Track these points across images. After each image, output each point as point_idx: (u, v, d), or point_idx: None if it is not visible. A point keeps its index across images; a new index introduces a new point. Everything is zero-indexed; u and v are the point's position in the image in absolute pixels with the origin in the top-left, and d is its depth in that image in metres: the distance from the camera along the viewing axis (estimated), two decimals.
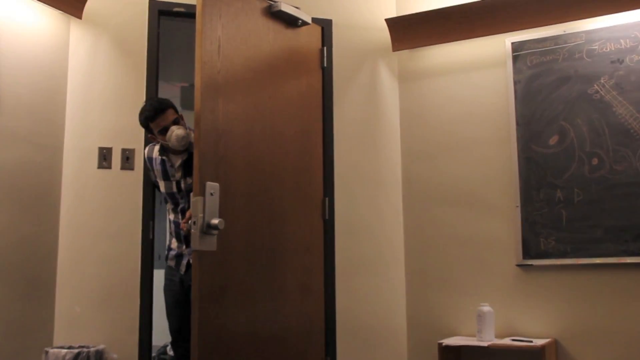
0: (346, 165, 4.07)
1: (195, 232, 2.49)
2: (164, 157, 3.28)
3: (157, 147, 3.32)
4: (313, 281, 3.50)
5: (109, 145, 3.72)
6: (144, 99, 3.72)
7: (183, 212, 3.24)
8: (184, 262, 3.25)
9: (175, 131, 3.14)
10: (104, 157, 3.70)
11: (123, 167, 3.70)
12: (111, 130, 3.74)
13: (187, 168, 3.23)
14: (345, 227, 3.99)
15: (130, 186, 3.70)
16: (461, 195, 4.01)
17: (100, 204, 3.68)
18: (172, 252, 3.32)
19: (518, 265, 3.79)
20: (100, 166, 3.69)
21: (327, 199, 3.77)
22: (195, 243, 2.49)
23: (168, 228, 3.45)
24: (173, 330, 3.35)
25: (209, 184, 2.57)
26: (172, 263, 3.31)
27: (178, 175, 3.26)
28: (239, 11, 2.94)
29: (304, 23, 3.54)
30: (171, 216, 3.33)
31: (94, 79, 3.77)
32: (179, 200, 3.27)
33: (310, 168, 3.63)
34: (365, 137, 4.19)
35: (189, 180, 3.23)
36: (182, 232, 3.17)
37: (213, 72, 2.70)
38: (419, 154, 4.19)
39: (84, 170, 3.68)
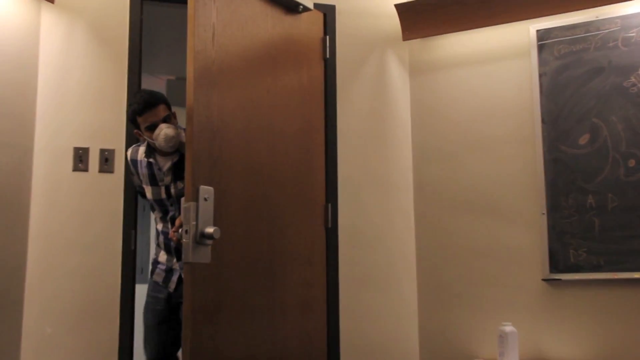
0: (351, 167, 4.07)
1: (187, 242, 2.47)
2: (151, 160, 3.26)
3: (142, 149, 3.29)
4: (314, 297, 3.50)
5: (86, 145, 3.71)
6: (126, 93, 3.73)
7: (173, 220, 3.22)
8: (174, 278, 3.23)
9: (164, 130, 3.13)
10: (80, 158, 3.68)
11: (101, 170, 3.68)
12: (88, 129, 3.72)
13: (177, 171, 3.22)
14: (349, 237, 3.99)
15: (109, 191, 3.68)
16: (480, 200, 4.00)
17: (75, 210, 3.66)
18: (161, 267, 3.29)
19: (544, 280, 3.78)
20: (75, 168, 3.68)
21: (329, 204, 3.77)
22: (187, 254, 2.47)
23: (156, 239, 3.43)
24: (151, 359, 3.32)
25: (203, 187, 2.56)
26: (158, 278, 3.28)
27: (167, 179, 3.24)
28: None
29: (305, 9, 3.53)
30: (159, 226, 3.30)
31: (69, 70, 3.76)
32: (169, 207, 3.25)
33: (311, 170, 3.63)
34: (373, 136, 4.18)
35: (179, 184, 3.21)
36: (172, 243, 3.14)
37: (207, 62, 2.69)
38: (433, 154, 4.19)
39: (57, 173, 3.67)
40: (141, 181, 3.34)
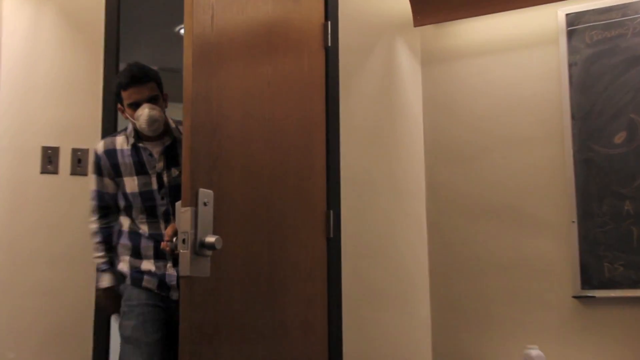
0: (355, 169, 4.06)
1: (185, 253, 2.43)
2: (140, 144, 3.22)
3: (120, 138, 3.25)
4: (315, 316, 3.48)
5: (56, 145, 3.70)
6: (101, 85, 3.74)
7: (167, 217, 3.16)
8: (173, 284, 3.17)
9: (147, 110, 3.12)
10: (49, 159, 3.67)
11: (74, 172, 3.67)
12: (58, 126, 3.71)
13: (170, 157, 3.21)
14: (354, 248, 3.97)
15: (82, 196, 3.63)
16: (501, 207, 4.00)
17: (42, 218, 3.65)
18: (149, 276, 3.20)
19: (575, 297, 3.78)
20: (44, 170, 3.68)
21: (331, 211, 3.74)
22: (185, 267, 2.43)
23: (131, 248, 3.30)
24: None
25: (202, 191, 2.52)
26: (151, 285, 3.18)
27: (160, 165, 3.19)
28: None
29: None
30: (143, 228, 3.21)
31: (36, 60, 3.74)
32: (158, 201, 3.17)
33: (312, 173, 3.61)
34: (380, 134, 4.18)
35: (174, 171, 3.19)
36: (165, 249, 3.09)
37: (206, 48, 2.67)
38: (448, 155, 4.19)
39: (22, 175, 3.66)
40: (117, 175, 3.24)
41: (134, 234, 3.21)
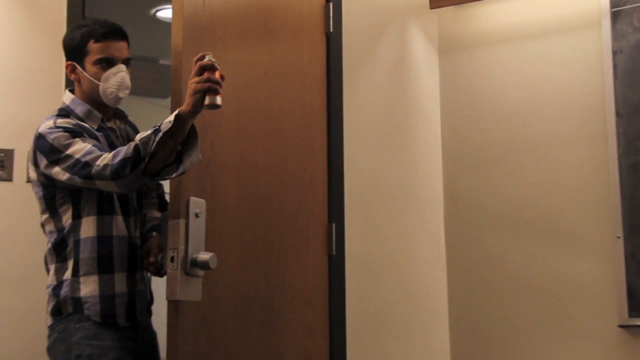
0: (361, 175, 4.04)
1: (173, 272, 2.43)
2: (111, 125, 3.11)
3: (66, 119, 3.10)
4: (316, 346, 3.49)
5: (10, 147, 3.69)
6: (64, 77, 3.67)
7: (136, 214, 3.07)
8: (143, 304, 3.09)
9: (125, 73, 3.01)
10: (2, 163, 3.67)
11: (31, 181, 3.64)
12: (12, 125, 3.69)
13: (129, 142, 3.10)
14: (359, 267, 3.95)
15: None
16: (532, 220, 4.01)
17: None
18: (119, 299, 3.11)
19: (622, 327, 3.77)
20: None
21: (333, 225, 3.74)
22: (173, 290, 2.44)
23: (108, 253, 3.20)
24: None
25: (194, 200, 2.53)
26: (119, 318, 3.09)
27: None
28: None
29: None
30: (120, 228, 3.09)
31: None
32: (132, 194, 3.09)
33: (312, 179, 3.61)
34: (390, 135, 4.18)
35: None
36: (150, 268, 3.02)
37: (198, 33, 2.67)
38: (469, 159, 4.21)
39: None
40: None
41: (105, 239, 3.04)
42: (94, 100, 2.96)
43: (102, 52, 2.93)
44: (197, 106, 2.55)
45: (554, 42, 4.04)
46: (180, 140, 2.62)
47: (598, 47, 3.92)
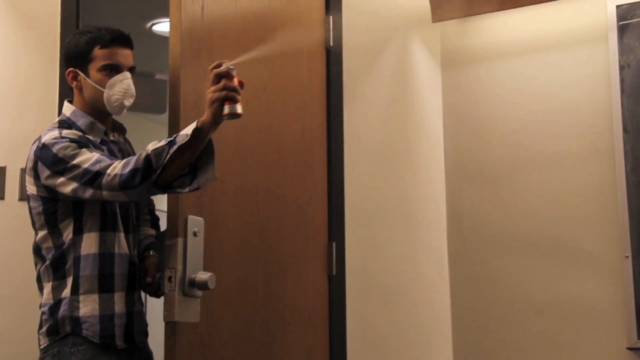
0: (362, 192, 4.04)
1: (171, 293, 2.43)
2: (113, 138, 3.08)
3: (70, 131, 3.07)
4: None
5: (1, 164, 3.66)
6: (57, 92, 3.69)
7: (135, 230, 3.04)
8: (141, 325, 3.06)
9: (130, 81, 2.96)
10: None
11: (23, 197, 3.60)
12: (4, 142, 3.67)
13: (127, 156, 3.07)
14: (360, 287, 3.94)
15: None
16: (538, 239, 4.00)
17: None
18: (118, 320, 3.08)
19: (630, 349, 3.76)
20: None
21: (333, 244, 3.74)
22: (171, 311, 2.44)
23: (109, 272, 3.17)
24: None
25: (192, 218, 2.54)
26: (118, 340, 3.05)
27: None
28: None
29: None
30: (122, 244, 3.07)
31: None
32: (131, 209, 3.07)
33: (312, 196, 3.61)
34: (391, 151, 4.18)
35: None
36: (147, 288, 3.00)
37: (196, 46, 2.68)
38: (472, 175, 4.21)
39: None
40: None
41: (107, 257, 3.01)
42: (95, 109, 2.92)
43: (108, 58, 2.89)
44: (217, 116, 2.49)
45: (560, 56, 4.05)
46: (197, 152, 2.57)
47: (605, 61, 3.93)
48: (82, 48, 2.90)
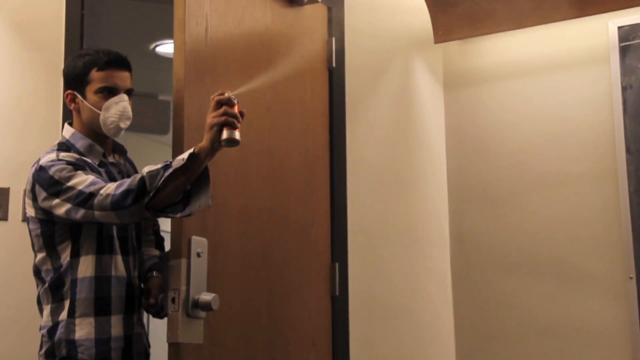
0: (365, 213, 4.04)
1: (175, 314, 2.42)
2: (112, 160, 3.07)
3: (68, 154, 3.06)
4: None
5: (5, 185, 3.66)
6: (61, 113, 3.68)
7: (134, 252, 3.03)
8: (140, 346, 3.04)
9: (127, 103, 2.96)
10: None
11: (26, 219, 3.61)
12: (8, 163, 3.67)
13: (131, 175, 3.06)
14: (364, 308, 3.94)
15: None
16: (542, 260, 3.98)
17: None
18: (115, 343, 3.07)
19: None
20: None
21: (336, 264, 3.75)
22: (174, 332, 2.43)
23: (106, 295, 3.15)
24: None
25: (195, 239, 2.53)
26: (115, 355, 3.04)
27: None
28: None
29: (312, 0, 3.56)
30: (119, 267, 3.05)
31: None
32: (130, 230, 3.05)
33: (315, 217, 3.62)
34: (394, 171, 4.17)
35: None
36: (150, 309, 2.98)
37: (200, 67, 2.68)
38: (475, 197, 4.19)
39: None
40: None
41: (103, 280, 3.00)
42: (93, 131, 2.92)
43: (104, 80, 2.90)
44: (215, 142, 2.49)
45: (562, 77, 4.04)
46: (193, 178, 2.56)
47: (607, 82, 3.92)
48: (80, 70, 2.91)
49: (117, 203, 2.57)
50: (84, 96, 2.91)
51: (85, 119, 2.92)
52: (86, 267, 2.83)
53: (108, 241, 2.87)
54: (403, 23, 4.30)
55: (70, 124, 2.99)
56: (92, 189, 2.64)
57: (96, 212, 2.63)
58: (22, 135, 3.70)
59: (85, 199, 2.64)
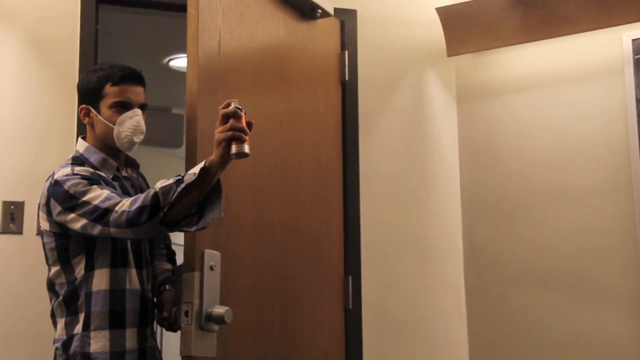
0: (378, 226, 4.04)
1: (188, 327, 2.43)
2: (125, 174, 3.07)
3: (82, 167, 3.06)
4: None
5: (20, 199, 3.68)
6: (75, 128, 3.70)
7: (148, 265, 3.02)
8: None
9: (141, 117, 2.96)
10: (11, 216, 3.65)
11: (40, 233, 3.62)
12: (23, 177, 3.69)
13: (140, 192, 3.06)
14: (377, 321, 3.94)
15: None
16: (558, 274, 3.95)
17: (2, 287, 3.60)
18: (132, 355, 3.08)
19: None
20: (4, 230, 3.65)
21: (349, 278, 3.77)
22: (188, 345, 2.44)
23: (121, 309, 3.14)
24: None
25: (209, 252, 2.54)
26: None
27: None
28: None
29: (325, 14, 3.56)
30: (133, 280, 3.05)
31: None
32: (144, 244, 3.05)
33: (328, 230, 3.63)
34: (407, 185, 4.17)
35: None
36: (163, 322, 2.98)
37: (213, 81, 2.69)
38: (489, 209, 4.17)
39: None
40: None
41: (118, 293, 3.00)
42: (107, 145, 2.94)
43: (118, 95, 2.91)
44: (224, 156, 2.50)
45: (576, 89, 4.02)
46: (205, 191, 2.58)
47: (621, 94, 3.89)
48: (94, 85, 2.93)
49: (133, 220, 2.58)
50: (98, 111, 2.93)
51: (99, 133, 2.94)
52: (101, 280, 2.84)
53: (122, 254, 2.87)
54: (416, 36, 4.29)
55: (84, 138, 3.01)
56: (107, 204, 2.65)
57: (112, 229, 2.64)
58: (35, 150, 3.72)
59: (101, 214, 2.65)
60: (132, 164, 3.10)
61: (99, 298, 2.81)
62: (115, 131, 2.88)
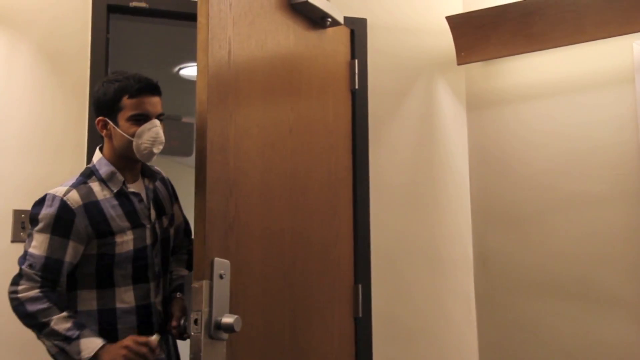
0: (388, 234, 4.06)
1: (197, 336, 2.42)
2: (132, 189, 3.06)
3: (96, 185, 3.05)
4: None
5: (30, 208, 3.63)
6: (86, 137, 3.71)
7: (158, 280, 3.01)
8: None
9: (159, 128, 2.95)
10: (23, 225, 3.64)
11: None
12: (34, 186, 3.62)
13: (156, 203, 3.04)
14: (386, 329, 3.95)
15: None
16: (568, 282, 3.95)
17: None
18: None
19: None
20: (16, 239, 3.64)
21: (359, 286, 3.77)
22: (197, 354, 2.43)
23: (111, 327, 3.10)
24: None
25: (218, 260, 2.53)
26: None
27: (153, 214, 3.07)
28: (253, 0, 2.96)
29: (335, 23, 3.56)
30: (128, 297, 3.03)
31: (9, 107, 3.73)
32: (151, 259, 3.03)
33: (337, 238, 3.63)
34: (417, 193, 4.18)
35: (164, 221, 3.06)
36: (173, 330, 2.97)
37: (223, 90, 2.69)
38: (499, 217, 4.16)
39: None
40: (100, 235, 3.01)
41: (106, 313, 2.98)
42: (125, 156, 2.95)
43: (136, 108, 2.91)
44: None
45: (586, 97, 4.01)
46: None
47: (631, 102, 3.88)
48: (111, 97, 2.92)
49: (17, 311, 2.78)
50: (115, 123, 2.93)
51: (117, 145, 2.94)
52: (88, 300, 2.91)
53: (108, 276, 2.91)
54: (426, 45, 4.30)
55: (101, 149, 3.02)
56: (25, 269, 2.80)
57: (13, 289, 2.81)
58: (46, 159, 3.71)
59: (19, 268, 2.82)
60: (150, 175, 3.11)
61: (88, 317, 2.87)
62: (134, 143, 2.89)
